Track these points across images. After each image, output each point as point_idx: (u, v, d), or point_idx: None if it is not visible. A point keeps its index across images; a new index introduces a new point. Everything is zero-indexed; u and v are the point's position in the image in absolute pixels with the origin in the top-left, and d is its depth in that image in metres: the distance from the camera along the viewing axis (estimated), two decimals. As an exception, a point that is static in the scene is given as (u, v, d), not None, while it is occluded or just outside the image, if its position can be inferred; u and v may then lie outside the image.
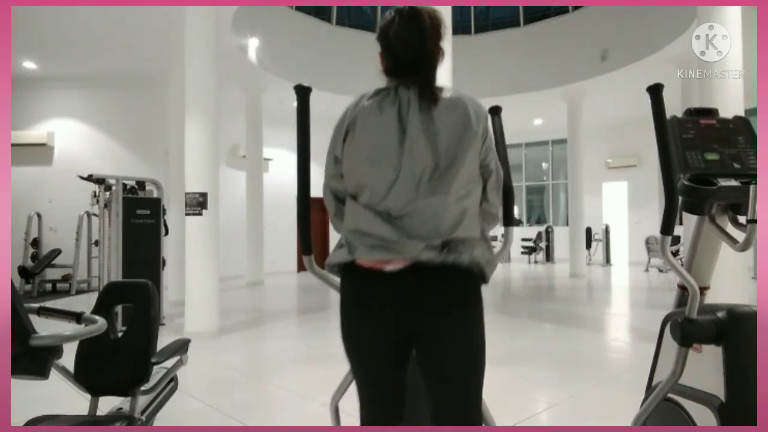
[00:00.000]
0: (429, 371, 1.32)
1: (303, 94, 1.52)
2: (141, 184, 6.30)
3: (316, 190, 1.53)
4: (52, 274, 9.68)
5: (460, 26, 12.29)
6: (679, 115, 1.83)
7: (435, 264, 1.24)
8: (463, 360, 1.30)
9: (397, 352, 1.34)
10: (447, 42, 1.37)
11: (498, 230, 1.62)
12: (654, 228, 11.28)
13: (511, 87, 11.43)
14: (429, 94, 1.29)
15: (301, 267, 13.37)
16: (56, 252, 9.54)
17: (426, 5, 1.35)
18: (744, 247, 1.64)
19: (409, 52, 1.31)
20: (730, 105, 4.81)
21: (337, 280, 1.81)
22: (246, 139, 11.28)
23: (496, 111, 1.68)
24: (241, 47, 9.38)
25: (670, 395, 1.74)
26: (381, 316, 1.29)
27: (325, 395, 3.35)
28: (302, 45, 11.02)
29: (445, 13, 5.60)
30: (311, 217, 1.64)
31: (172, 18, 7.36)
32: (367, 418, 1.40)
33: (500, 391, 3.33)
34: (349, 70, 11.71)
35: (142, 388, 1.88)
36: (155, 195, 6.23)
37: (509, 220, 1.61)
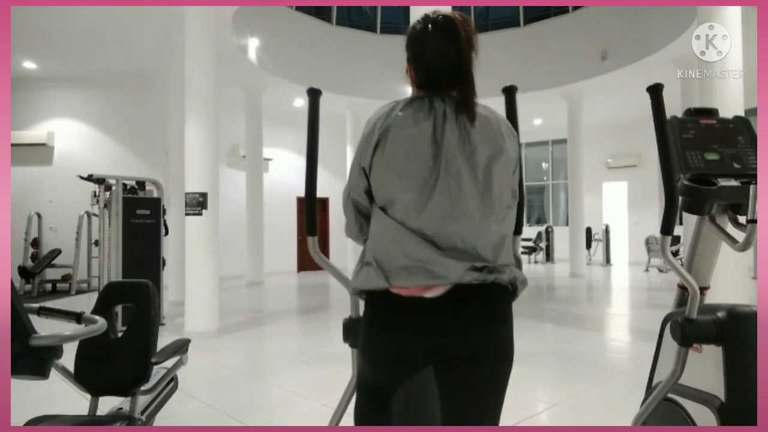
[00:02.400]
0: (454, 392, 1.26)
1: (314, 96, 1.59)
2: (141, 184, 6.30)
3: (320, 189, 1.58)
4: (52, 274, 9.68)
5: (460, 26, 12.28)
6: (679, 115, 1.83)
7: (476, 284, 1.18)
8: (497, 381, 1.26)
9: (420, 368, 1.33)
10: (479, 55, 1.32)
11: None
12: (654, 228, 11.28)
13: (511, 87, 11.41)
14: (469, 111, 1.23)
15: (301, 267, 13.38)
16: (56, 252, 9.54)
17: (420, 14, 1.32)
18: (744, 247, 1.64)
19: (445, 65, 1.25)
20: (730, 105, 4.81)
21: (340, 269, 1.83)
22: (246, 139, 11.28)
23: (510, 91, 1.65)
24: (241, 47, 9.38)
25: (670, 395, 1.74)
26: (419, 341, 1.23)
27: (324, 395, 3.37)
28: (302, 45, 11.02)
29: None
30: (316, 208, 1.69)
31: (172, 18, 7.36)
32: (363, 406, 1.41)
33: (500, 391, 3.32)
34: (349, 70, 11.72)
35: (142, 388, 1.88)
36: (155, 195, 6.23)
37: (518, 229, 1.59)
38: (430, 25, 1.26)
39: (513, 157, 1.28)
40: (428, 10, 1.33)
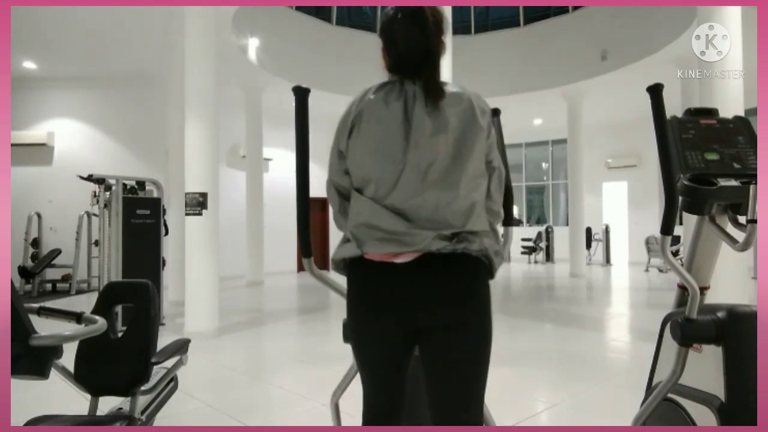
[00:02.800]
0: (432, 363, 1.30)
1: (301, 95, 1.48)
2: (141, 184, 6.30)
3: (315, 191, 1.53)
4: (52, 274, 9.68)
5: (460, 26, 12.30)
6: (679, 115, 1.83)
7: (445, 253, 1.24)
8: (471, 352, 1.29)
9: (405, 343, 1.34)
10: (448, 38, 1.38)
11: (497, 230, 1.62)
12: (654, 228, 11.28)
13: (511, 87, 11.44)
14: (434, 89, 1.29)
15: (301, 267, 13.37)
16: (56, 252, 9.54)
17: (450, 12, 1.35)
18: (744, 247, 1.64)
19: (413, 49, 1.32)
20: (730, 105, 4.81)
21: (337, 281, 1.82)
22: (246, 139, 11.28)
23: (494, 113, 1.68)
24: (241, 47, 9.38)
25: (670, 395, 1.74)
26: (392, 309, 1.28)
27: (325, 395, 3.35)
28: (302, 45, 11.02)
29: (446, 13, 5.62)
30: (310, 217, 1.62)
31: (172, 18, 7.36)
32: (369, 409, 1.40)
33: (500, 391, 3.33)
34: (349, 70, 11.70)
35: (142, 388, 1.88)
36: (155, 195, 6.22)
37: (509, 220, 1.61)
38: (399, 13, 1.33)
39: (484, 128, 1.32)
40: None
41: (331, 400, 1.84)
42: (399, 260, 1.25)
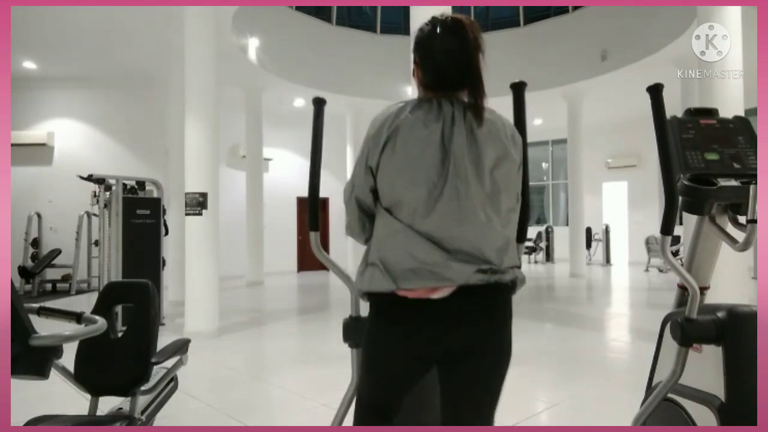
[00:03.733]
0: (452, 389, 1.30)
1: (319, 105, 1.68)
2: (141, 184, 6.30)
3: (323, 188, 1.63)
4: (52, 274, 9.68)
5: (460, 26, 12.28)
6: (679, 115, 1.83)
7: (480, 284, 1.21)
8: (492, 382, 1.29)
9: (426, 370, 1.33)
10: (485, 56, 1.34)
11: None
12: (654, 228, 11.28)
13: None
14: (478, 113, 1.25)
15: (301, 267, 13.38)
16: (56, 252, 9.54)
17: (420, 15, 1.35)
18: (744, 247, 1.64)
19: (454, 65, 1.26)
20: (730, 105, 4.81)
21: (342, 267, 1.83)
22: (246, 139, 11.28)
23: (519, 87, 1.67)
24: (241, 47, 9.38)
25: (670, 395, 1.74)
26: (424, 338, 1.25)
27: (324, 395, 3.37)
28: (302, 45, 11.02)
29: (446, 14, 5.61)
30: (318, 204, 1.74)
31: (172, 18, 7.36)
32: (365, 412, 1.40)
33: (500, 391, 3.32)
34: (349, 70, 11.72)
35: (142, 388, 1.88)
36: (155, 195, 6.23)
37: (522, 237, 1.58)
38: (438, 27, 1.27)
39: (517, 161, 1.30)
40: (428, 10, 1.34)
41: (331, 424, 1.83)
42: (435, 296, 1.20)
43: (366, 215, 1.35)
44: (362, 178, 1.30)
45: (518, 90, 1.63)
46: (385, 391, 1.36)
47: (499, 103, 1.55)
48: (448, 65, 1.27)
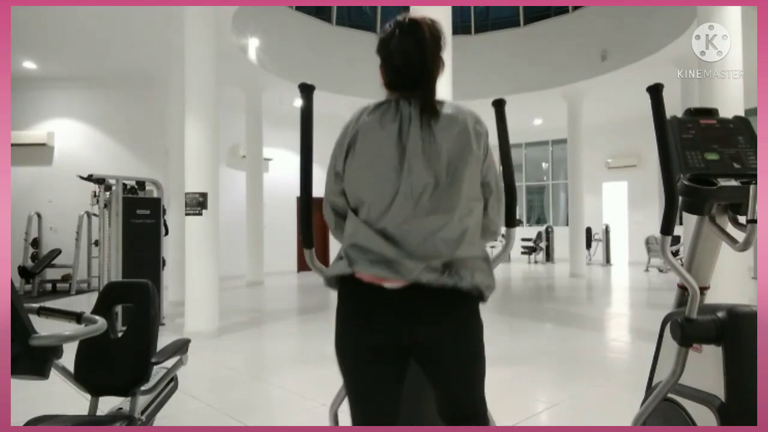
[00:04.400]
0: (430, 375, 1.33)
1: (307, 92, 1.54)
2: (141, 184, 6.30)
3: (315, 190, 1.54)
4: (52, 274, 9.68)
5: (460, 26, 12.30)
6: (679, 115, 1.83)
7: (435, 286, 1.23)
8: (463, 363, 1.31)
9: (394, 366, 1.33)
10: (447, 52, 1.36)
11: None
12: (654, 228, 11.28)
13: (511, 87, 11.42)
14: (429, 109, 1.28)
15: (301, 267, 13.38)
16: (56, 252, 9.54)
17: (425, 15, 1.34)
18: (744, 247, 1.64)
19: (409, 65, 1.30)
20: (730, 105, 4.81)
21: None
22: (246, 139, 11.28)
23: (500, 104, 1.68)
24: (241, 47, 9.38)
25: (670, 395, 1.74)
26: (380, 328, 1.27)
27: (324, 395, 3.36)
28: (302, 45, 11.02)
29: (446, 13, 5.58)
30: (313, 216, 1.63)
31: (172, 18, 7.36)
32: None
33: (500, 391, 3.33)
34: (349, 70, 11.70)
35: (142, 388, 1.88)
36: (155, 195, 6.23)
37: (511, 222, 1.59)
38: (397, 29, 1.31)
39: (477, 152, 1.30)
40: (428, 10, 1.34)
41: (329, 409, 1.83)
42: (387, 285, 1.25)
43: (341, 218, 1.40)
44: (333, 184, 1.38)
45: (499, 107, 1.64)
46: (362, 382, 1.35)
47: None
48: (404, 65, 1.31)
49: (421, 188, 1.24)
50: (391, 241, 1.24)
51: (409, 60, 1.30)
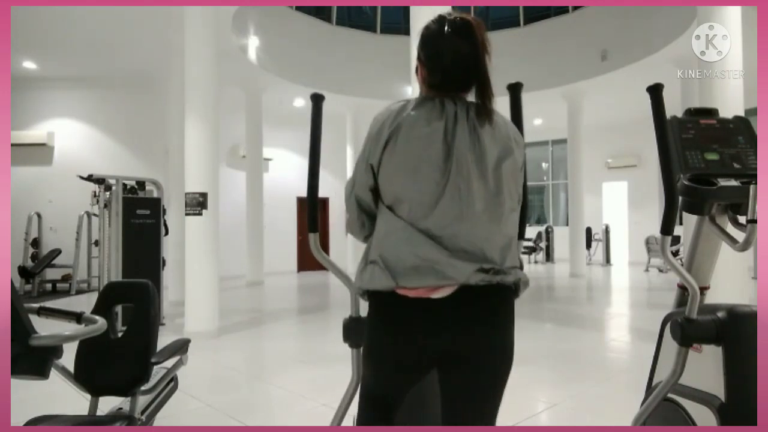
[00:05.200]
0: (453, 391, 1.28)
1: (317, 101, 1.64)
2: (141, 184, 6.30)
3: (322, 188, 1.61)
4: (52, 274, 9.68)
5: (460, 26, 12.27)
6: (679, 115, 1.83)
7: (482, 285, 1.19)
8: (492, 385, 1.27)
9: (427, 370, 1.32)
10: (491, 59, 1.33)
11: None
12: (654, 228, 11.28)
13: (511, 87, 11.42)
14: (486, 114, 1.24)
15: (301, 267, 13.38)
16: (56, 252, 9.54)
17: (420, 15, 1.33)
18: (744, 247, 1.63)
19: (461, 67, 1.25)
20: (730, 105, 4.81)
21: (342, 267, 1.82)
22: (246, 139, 11.28)
23: (516, 88, 1.63)
24: (241, 47, 9.38)
25: (670, 395, 1.74)
26: (422, 341, 1.23)
27: (324, 395, 3.36)
28: (302, 45, 11.03)
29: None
30: (317, 205, 1.72)
31: (172, 18, 7.36)
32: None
33: (500, 391, 3.32)
34: (349, 70, 11.72)
35: (142, 388, 1.88)
36: (155, 195, 6.23)
37: (521, 235, 1.57)
38: (447, 27, 1.25)
39: (519, 161, 1.29)
40: (428, 10, 1.34)
41: (331, 423, 1.83)
42: (436, 295, 1.19)
43: (365, 213, 1.35)
44: (363, 177, 1.29)
45: (515, 90, 1.62)
46: (385, 386, 1.35)
47: (498, 104, 1.55)
48: (456, 67, 1.25)
49: (471, 191, 1.20)
50: (437, 242, 1.19)
51: (462, 61, 1.24)
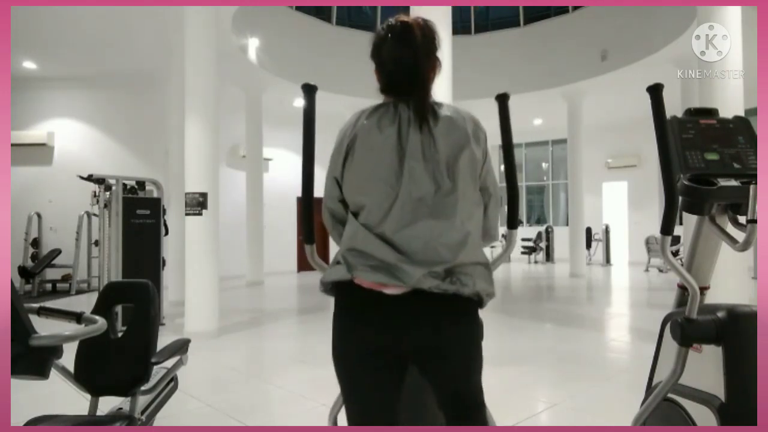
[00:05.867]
0: (430, 377, 1.33)
1: (309, 92, 1.56)
2: (141, 184, 6.30)
3: (317, 190, 1.54)
4: (52, 274, 9.68)
5: (460, 26, 12.29)
6: (679, 115, 1.83)
7: (436, 293, 1.20)
8: (463, 364, 1.30)
9: (393, 372, 1.31)
10: (445, 51, 1.35)
11: (500, 230, 1.62)
12: (654, 228, 11.28)
13: (511, 87, 11.35)
14: (423, 113, 1.26)
15: (301, 267, 13.38)
16: (56, 252, 9.54)
17: (419, 15, 1.33)
18: (744, 247, 1.63)
19: (402, 71, 1.29)
20: (730, 105, 4.81)
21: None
22: (246, 139, 11.29)
23: (503, 99, 1.65)
24: (241, 47, 9.38)
25: (670, 395, 1.74)
26: (379, 335, 1.25)
27: (324, 395, 3.36)
28: (302, 45, 11.03)
29: (446, 13, 5.58)
30: (314, 214, 1.64)
31: (172, 18, 7.36)
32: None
33: (500, 391, 3.32)
34: (349, 70, 11.69)
35: (142, 388, 1.88)
36: (155, 195, 6.23)
37: (513, 223, 1.58)
38: (389, 33, 1.30)
39: (478, 154, 1.30)
40: (428, 10, 1.34)
41: (329, 414, 1.83)
42: (388, 291, 1.22)
43: (340, 224, 1.40)
44: (331, 190, 1.37)
45: (503, 101, 1.63)
46: (352, 376, 1.34)
47: (488, 106, 1.55)
48: (396, 70, 1.30)
49: (422, 193, 1.23)
50: (391, 245, 1.22)
51: (402, 65, 1.29)
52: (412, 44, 1.27)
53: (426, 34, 1.29)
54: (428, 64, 1.31)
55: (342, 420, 1.83)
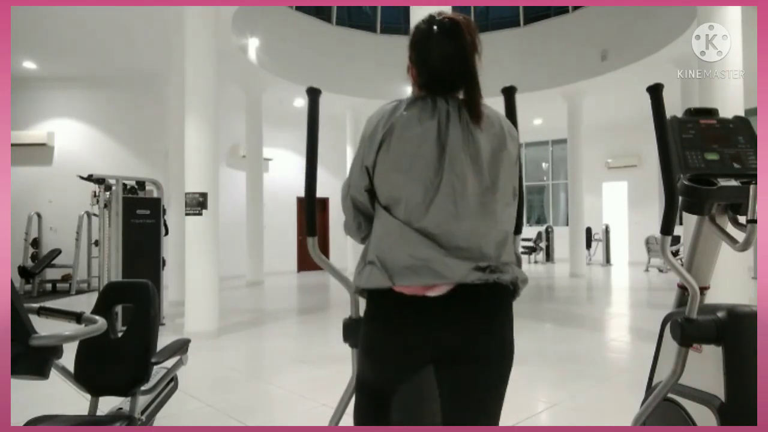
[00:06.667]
0: (453, 393, 1.27)
1: (314, 96, 1.60)
2: (141, 184, 6.30)
3: (320, 190, 1.59)
4: (52, 274, 9.68)
5: (460, 26, 12.27)
6: (679, 115, 1.83)
7: (478, 283, 1.19)
8: (493, 387, 1.27)
9: (419, 369, 1.33)
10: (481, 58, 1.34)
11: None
12: (654, 228, 11.28)
13: (511, 87, 11.42)
14: (475, 111, 1.25)
15: (301, 267, 13.38)
16: (56, 252, 9.54)
17: (419, 15, 1.33)
18: (744, 247, 1.64)
19: (449, 68, 1.26)
20: (730, 105, 4.81)
21: (340, 269, 1.83)
22: (246, 139, 11.29)
23: (510, 92, 1.66)
24: (241, 47, 9.38)
25: (670, 395, 1.74)
26: (419, 338, 1.24)
27: (324, 395, 3.37)
28: (302, 45, 11.03)
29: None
30: (315, 212, 1.70)
31: (172, 18, 7.36)
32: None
33: (500, 391, 3.32)
34: (349, 70, 11.71)
35: (142, 388, 1.88)
36: (155, 195, 6.23)
37: (518, 229, 1.58)
38: (435, 27, 1.26)
39: (514, 155, 1.29)
40: (428, 10, 1.33)
41: (329, 423, 1.83)
42: (432, 293, 1.19)
43: (362, 214, 1.36)
44: (358, 178, 1.31)
45: (509, 94, 1.63)
46: (380, 379, 1.36)
47: (498, 104, 1.55)
48: (444, 69, 1.27)
49: (465, 189, 1.21)
50: (434, 240, 1.20)
51: (450, 63, 1.26)
52: (461, 41, 1.25)
53: (472, 32, 1.26)
54: (475, 62, 1.28)
55: (342, 421, 1.83)
